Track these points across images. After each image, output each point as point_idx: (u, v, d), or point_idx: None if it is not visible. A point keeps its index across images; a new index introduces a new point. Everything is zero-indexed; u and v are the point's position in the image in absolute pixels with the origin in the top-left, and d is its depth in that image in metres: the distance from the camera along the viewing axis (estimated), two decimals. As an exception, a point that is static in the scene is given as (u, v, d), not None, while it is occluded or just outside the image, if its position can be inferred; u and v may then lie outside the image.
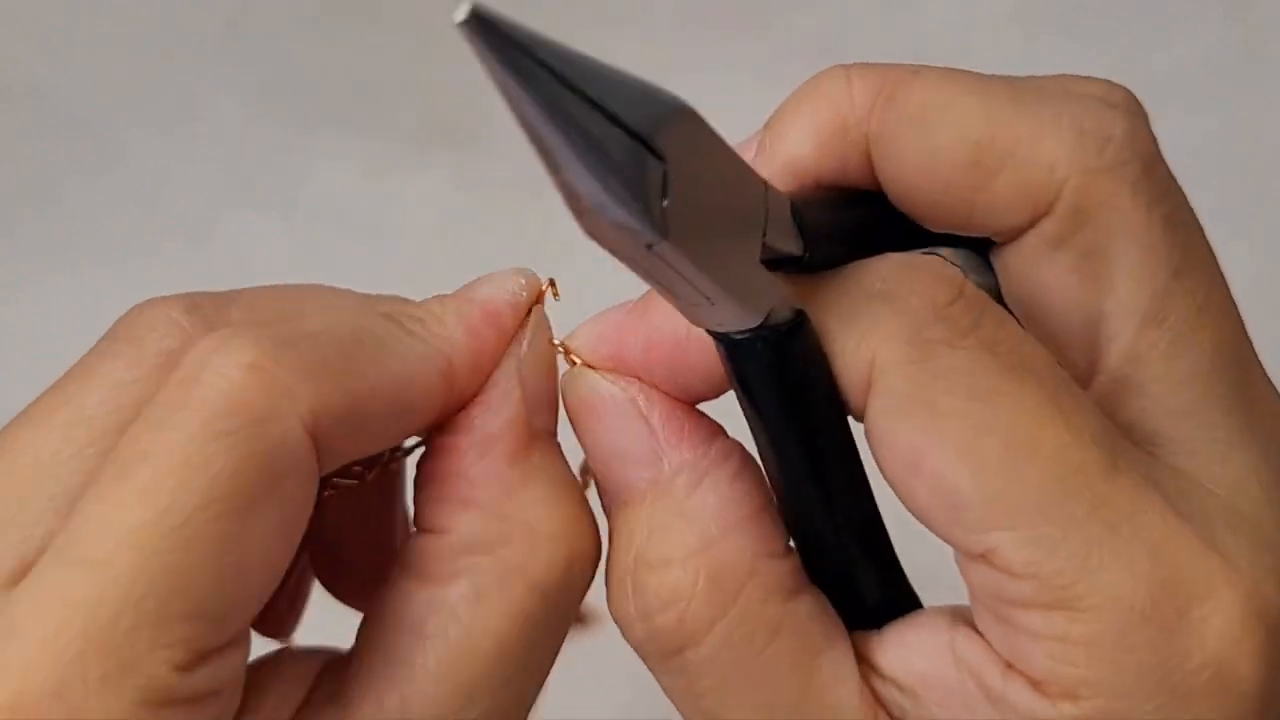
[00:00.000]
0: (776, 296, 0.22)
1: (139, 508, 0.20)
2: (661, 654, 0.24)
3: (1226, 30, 0.57)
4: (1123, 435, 0.22)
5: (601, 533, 0.25)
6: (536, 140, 0.20)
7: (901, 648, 0.23)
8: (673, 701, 0.24)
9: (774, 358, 0.22)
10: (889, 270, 0.22)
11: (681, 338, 0.24)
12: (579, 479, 0.26)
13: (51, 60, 0.57)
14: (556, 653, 0.24)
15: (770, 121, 0.25)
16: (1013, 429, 0.21)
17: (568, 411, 0.25)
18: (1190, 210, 0.25)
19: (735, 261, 0.21)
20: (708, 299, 0.21)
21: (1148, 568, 0.20)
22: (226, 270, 0.56)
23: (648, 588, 0.24)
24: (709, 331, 0.22)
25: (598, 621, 0.50)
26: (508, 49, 0.19)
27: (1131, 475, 0.21)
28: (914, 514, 0.22)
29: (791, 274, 0.23)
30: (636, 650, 0.25)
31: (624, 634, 0.25)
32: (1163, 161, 0.25)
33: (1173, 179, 0.24)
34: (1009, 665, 0.21)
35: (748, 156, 0.25)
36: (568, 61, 0.19)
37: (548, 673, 0.24)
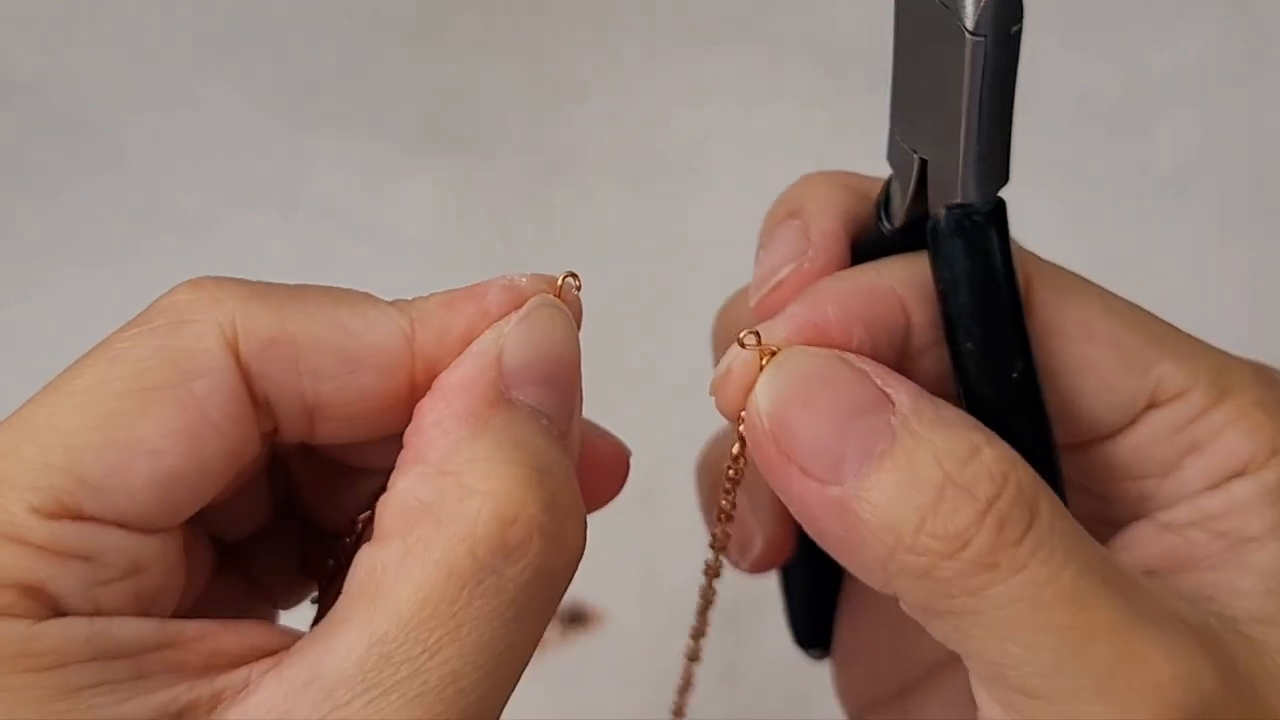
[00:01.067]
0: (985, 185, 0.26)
1: (56, 381, 0.23)
2: (992, 554, 0.22)
3: (1228, 29, 0.57)
4: None
5: (587, 527, 0.24)
6: None
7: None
8: (957, 634, 0.23)
9: (973, 237, 0.27)
10: None
11: (872, 289, 0.25)
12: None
13: (52, 60, 0.57)
14: (511, 642, 0.22)
15: None
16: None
17: (782, 400, 0.24)
18: None
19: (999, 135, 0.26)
20: (977, 147, 0.26)
21: None
22: (226, 270, 0.56)
23: (977, 485, 0.22)
24: (947, 209, 0.26)
25: (599, 622, 0.50)
26: None
27: None
28: (1083, 384, 0.25)
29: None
30: (942, 584, 0.22)
31: (927, 569, 0.22)
32: None
33: None
34: None
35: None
36: None
37: (501, 664, 0.21)
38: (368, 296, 0.24)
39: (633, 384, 0.53)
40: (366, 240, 0.55)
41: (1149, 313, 0.28)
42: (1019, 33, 0.24)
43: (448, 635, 0.21)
